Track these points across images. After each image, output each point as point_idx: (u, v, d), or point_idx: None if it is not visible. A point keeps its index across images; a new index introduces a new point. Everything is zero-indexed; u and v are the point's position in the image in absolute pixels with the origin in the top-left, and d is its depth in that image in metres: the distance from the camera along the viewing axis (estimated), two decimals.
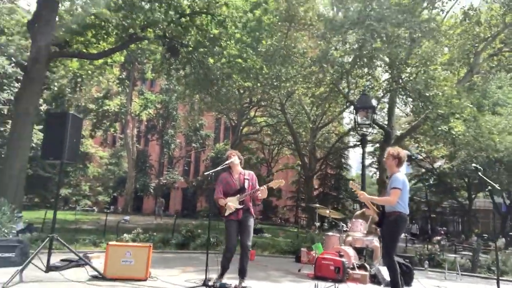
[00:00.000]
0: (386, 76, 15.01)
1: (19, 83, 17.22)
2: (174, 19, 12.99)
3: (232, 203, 5.36)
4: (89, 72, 18.87)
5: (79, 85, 28.94)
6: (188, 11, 13.88)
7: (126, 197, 35.50)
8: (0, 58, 21.31)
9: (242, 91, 22.25)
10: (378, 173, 22.33)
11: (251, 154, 39.23)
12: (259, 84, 16.53)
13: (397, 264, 5.02)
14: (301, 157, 27.65)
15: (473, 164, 4.95)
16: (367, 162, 37.65)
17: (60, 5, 13.24)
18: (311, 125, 26.14)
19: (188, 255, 9.34)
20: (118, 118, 36.74)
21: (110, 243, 5.84)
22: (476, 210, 35.24)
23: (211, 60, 14.78)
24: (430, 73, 13.00)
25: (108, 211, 27.54)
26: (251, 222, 5.45)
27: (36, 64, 11.92)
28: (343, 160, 40.06)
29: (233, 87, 17.86)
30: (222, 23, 13.60)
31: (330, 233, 8.44)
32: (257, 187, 5.50)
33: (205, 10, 13.85)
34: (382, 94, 16.66)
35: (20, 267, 5.00)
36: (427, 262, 9.11)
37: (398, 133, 16.78)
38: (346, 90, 15.93)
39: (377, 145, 26.61)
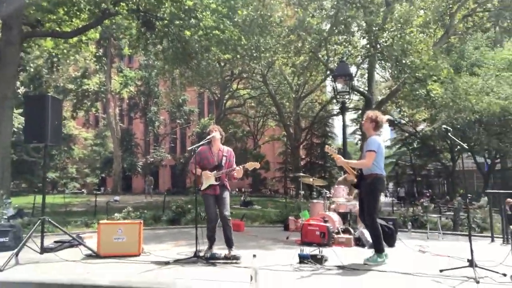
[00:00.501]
0: (365, 42, 15.05)
1: None
2: None
3: (208, 179, 5.54)
4: (65, 51, 18.42)
5: (55, 65, 28.38)
6: None
7: (114, 178, 35.41)
8: None
9: (222, 64, 22.07)
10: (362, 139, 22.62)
11: (236, 127, 39.27)
12: (238, 56, 16.42)
13: (379, 225, 5.25)
14: (286, 128, 27.84)
15: (443, 126, 5.12)
16: (352, 129, 38.19)
17: None
18: (294, 95, 26.19)
19: (179, 230, 9.54)
20: (99, 98, 36.17)
21: (101, 221, 5.96)
22: (460, 171, 36.23)
23: (187, 33, 14.59)
24: (406, 37, 13.08)
25: (98, 192, 27.62)
26: (226, 194, 5.65)
27: (9, 46, 11.64)
28: (327, 129, 40.39)
29: (213, 60, 17.71)
30: None
31: (315, 201, 8.70)
32: (234, 164, 5.66)
33: None
34: (361, 61, 16.73)
35: (15, 250, 5.10)
36: (410, 223, 9.47)
37: (379, 98, 16.98)
38: (326, 58, 15.94)
39: (360, 112, 26.84)
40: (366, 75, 19.29)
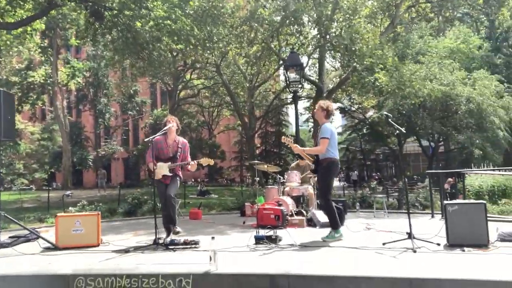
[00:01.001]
0: (315, 32, 15.51)
1: None
2: None
3: (162, 169, 5.77)
4: (8, 42, 17.56)
5: None
6: None
7: (64, 172, 34.22)
8: None
9: (175, 54, 21.86)
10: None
11: (191, 118, 39.05)
12: (191, 46, 16.37)
13: (332, 205, 5.62)
14: (241, 117, 28.07)
15: (384, 112, 5.59)
16: (305, 117, 39.07)
17: None
18: (248, 85, 26.45)
19: (136, 221, 9.57)
20: (45, 90, 34.61)
21: (59, 214, 5.95)
22: (407, 155, 38.05)
23: (138, 24, 14.37)
24: (354, 27, 13.66)
25: (49, 188, 26.64)
26: (176, 180, 5.94)
27: None
28: (281, 117, 41.10)
29: (165, 50, 17.54)
30: None
31: (269, 186, 9.05)
32: (189, 156, 5.91)
33: None
34: (312, 51, 17.24)
35: None
36: (358, 204, 10.04)
37: (330, 86, 17.60)
38: (278, 48, 16.30)
39: (312, 100, 27.57)
40: (317, 64, 19.88)
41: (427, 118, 21.93)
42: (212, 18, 14.50)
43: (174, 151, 5.82)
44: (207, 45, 16.42)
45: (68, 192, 18.68)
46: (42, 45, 28.81)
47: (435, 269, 3.76)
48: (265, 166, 8.52)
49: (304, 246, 5.12)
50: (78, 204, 10.29)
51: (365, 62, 13.52)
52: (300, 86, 10.71)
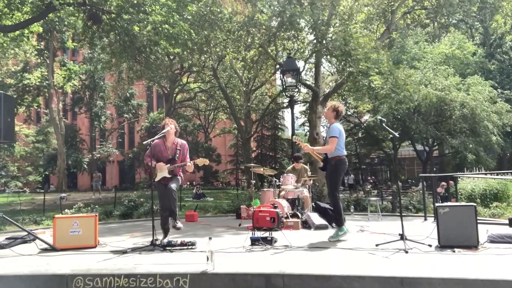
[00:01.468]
0: (312, 37, 15.67)
1: None
2: None
3: (162, 171, 5.82)
4: (4, 44, 17.60)
5: None
6: None
7: (59, 175, 34.11)
8: None
9: (172, 58, 21.94)
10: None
11: (187, 121, 39.09)
12: (188, 50, 16.46)
13: (340, 202, 5.87)
14: (237, 121, 28.13)
15: (379, 117, 5.73)
16: (301, 121, 39.16)
17: None
18: (244, 89, 26.53)
19: (132, 223, 9.63)
20: (41, 92, 34.55)
21: (56, 216, 6.01)
22: (402, 159, 38.26)
23: (136, 28, 14.45)
24: (350, 31, 13.82)
25: (46, 190, 26.56)
26: (177, 178, 5.96)
27: None
28: (277, 121, 41.25)
29: (162, 54, 17.61)
30: None
31: (265, 189, 9.15)
32: (187, 158, 5.97)
33: None
34: (308, 55, 17.38)
35: None
36: (352, 207, 10.17)
37: (326, 91, 17.72)
38: (275, 52, 16.43)
39: (308, 104, 27.71)
40: (314, 69, 20.02)
41: (422, 123, 22.10)
42: (210, 23, 14.60)
43: (173, 153, 5.87)
44: (204, 49, 16.52)
45: (63, 195, 18.67)
46: (38, 47, 28.83)
47: (426, 268, 3.87)
48: (262, 169, 8.62)
49: (299, 247, 5.20)
50: (74, 207, 10.32)
51: (360, 66, 13.65)
52: (296, 90, 10.83)
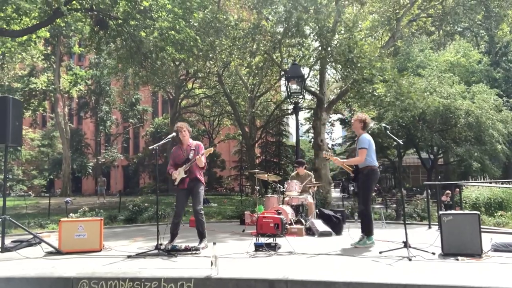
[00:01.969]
0: (317, 44, 15.73)
1: None
2: None
3: (178, 173, 5.91)
4: (12, 49, 17.79)
5: (0, 63, 27.11)
6: None
7: (63, 179, 34.25)
8: None
9: (177, 63, 22.08)
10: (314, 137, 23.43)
11: (192, 126, 38.88)
12: (194, 56, 16.57)
13: (371, 212, 5.97)
14: (242, 127, 28.21)
15: (383, 124, 5.77)
16: (306, 127, 39.22)
17: None
18: (249, 95, 26.64)
19: (136, 228, 9.68)
20: (47, 97, 34.84)
21: (62, 219, 6.06)
22: (407, 167, 38.06)
23: (143, 34, 14.58)
24: (355, 39, 13.88)
25: (50, 194, 26.70)
26: (199, 188, 6.00)
27: None
28: (282, 127, 41.30)
29: (168, 59, 17.73)
30: None
31: (269, 195, 9.17)
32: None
33: None
34: (313, 62, 17.45)
35: None
36: (356, 214, 10.14)
37: (331, 98, 17.77)
38: (280, 59, 16.51)
39: (313, 111, 27.74)
40: (318, 76, 20.08)
41: (427, 131, 22.04)
42: (215, 29, 14.71)
43: (188, 154, 6.01)
44: (210, 55, 16.63)
45: (68, 199, 18.73)
46: (45, 52, 29.11)
47: (428, 276, 3.88)
48: (266, 175, 8.65)
49: (303, 254, 5.22)
50: (79, 211, 10.39)
51: (364, 74, 13.70)
52: (301, 97, 10.88)
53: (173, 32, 14.32)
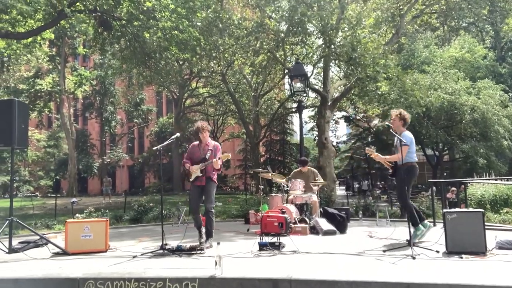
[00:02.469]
0: (320, 42, 15.69)
1: None
2: None
3: (195, 170, 6.16)
4: (17, 51, 17.95)
5: (6, 65, 27.29)
6: None
7: (69, 180, 34.47)
8: None
9: (181, 63, 22.13)
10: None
11: None
12: (197, 56, 16.60)
13: (412, 205, 5.99)
14: (246, 126, 28.21)
15: (386, 122, 5.79)
16: (310, 125, 39.17)
17: None
18: (253, 93, 26.63)
19: (142, 228, 9.75)
20: (52, 98, 35.06)
21: (68, 220, 6.11)
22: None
23: (146, 35, 14.64)
24: (358, 36, 13.84)
25: (56, 195, 26.89)
26: (211, 186, 6.25)
27: None
28: (286, 126, 41.26)
29: (172, 59, 17.78)
30: None
31: (273, 194, 9.19)
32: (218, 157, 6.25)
33: None
34: (317, 60, 17.41)
35: None
36: (361, 212, 10.14)
37: (335, 95, 17.72)
38: (283, 57, 16.48)
39: (317, 109, 27.69)
40: (322, 73, 20.04)
41: (432, 127, 21.97)
42: (219, 29, 14.73)
43: (205, 153, 6.22)
44: (213, 54, 16.65)
45: (74, 199, 18.86)
46: (50, 53, 29.27)
47: (432, 274, 3.88)
48: (270, 175, 8.66)
49: (307, 253, 5.24)
50: (85, 211, 10.48)
51: (367, 72, 13.66)
52: (304, 95, 10.87)
53: (176, 32, 14.37)
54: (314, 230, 7.24)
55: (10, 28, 14.20)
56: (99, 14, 14.63)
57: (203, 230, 6.17)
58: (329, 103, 16.45)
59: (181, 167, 6.58)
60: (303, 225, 7.32)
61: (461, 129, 21.46)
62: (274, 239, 5.56)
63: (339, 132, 64.25)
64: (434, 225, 8.60)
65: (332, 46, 14.33)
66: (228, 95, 27.62)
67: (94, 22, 15.78)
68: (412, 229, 5.81)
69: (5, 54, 18.89)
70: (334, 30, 14.06)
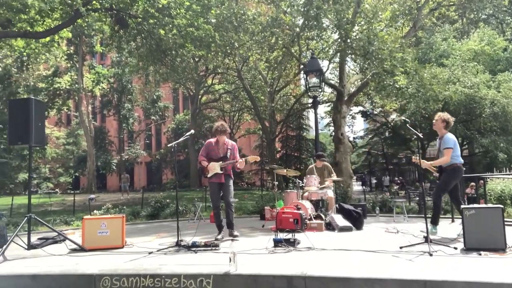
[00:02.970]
0: (336, 36, 15.53)
1: None
2: None
3: (214, 168, 6.39)
4: (36, 50, 18.29)
5: (25, 64, 27.89)
6: None
7: (88, 176, 35.09)
8: None
9: (197, 60, 22.21)
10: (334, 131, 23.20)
11: (212, 122, 39.40)
12: (213, 52, 16.64)
13: (441, 206, 6.21)
14: (262, 122, 28.19)
15: (402, 117, 5.70)
16: (326, 121, 38.95)
17: None
18: (268, 89, 26.57)
19: (159, 224, 9.83)
20: (71, 96, 35.67)
21: (85, 217, 6.21)
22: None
23: (162, 32, 14.73)
24: (374, 30, 13.66)
25: (76, 191, 27.40)
26: (230, 182, 6.57)
27: None
28: (302, 121, 41.05)
29: (187, 56, 17.88)
30: None
31: (289, 190, 9.15)
32: (238, 156, 6.57)
33: None
34: (333, 55, 17.25)
35: (4, 247, 5.29)
36: (378, 208, 10.02)
37: (351, 90, 17.53)
38: (299, 53, 16.38)
39: (333, 104, 27.46)
40: (338, 68, 19.84)
41: None
42: (233, 25, 14.73)
43: (224, 152, 6.50)
44: (229, 51, 16.66)
45: (92, 196, 19.20)
46: (68, 52, 29.75)
47: (450, 272, 3.80)
48: (285, 171, 8.63)
49: (322, 249, 5.20)
50: (103, 207, 10.64)
51: (385, 66, 13.46)
52: (320, 90, 10.78)
53: (191, 28, 14.43)
54: (330, 226, 7.19)
55: (28, 28, 14.47)
56: (115, 12, 14.78)
57: (223, 225, 6.46)
58: (345, 98, 16.29)
59: (198, 164, 6.73)
60: (318, 221, 7.27)
61: (480, 123, 20.99)
62: (289, 236, 5.54)
63: (356, 127, 63.69)
64: (453, 221, 8.48)
65: (348, 40, 14.16)
66: (243, 91, 27.62)
67: (110, 20, 15.95)
68: (429, 226, 5.75)
69: (25, 53, 19.23)
70: (350, 24, 13.88)
